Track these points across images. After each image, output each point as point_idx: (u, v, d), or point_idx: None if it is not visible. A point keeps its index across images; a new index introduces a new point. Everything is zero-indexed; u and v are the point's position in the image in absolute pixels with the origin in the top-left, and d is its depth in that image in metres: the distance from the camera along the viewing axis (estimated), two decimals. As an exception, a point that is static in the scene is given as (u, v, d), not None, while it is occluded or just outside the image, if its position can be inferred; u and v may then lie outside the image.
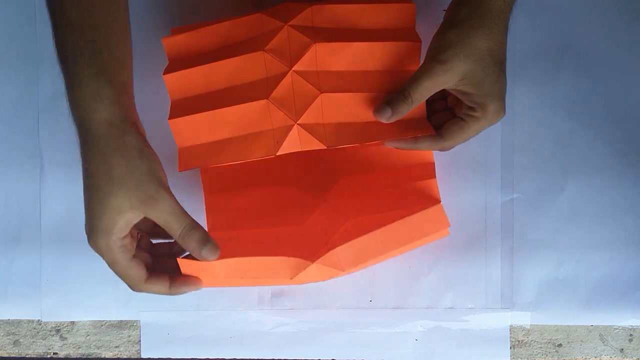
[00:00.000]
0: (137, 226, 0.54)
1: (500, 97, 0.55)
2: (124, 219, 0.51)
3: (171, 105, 0.60)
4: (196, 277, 0.57)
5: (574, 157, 0.68)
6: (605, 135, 0.67)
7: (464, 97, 0.55)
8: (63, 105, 0.69)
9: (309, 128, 0.56)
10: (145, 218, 0.53)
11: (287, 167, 0.63)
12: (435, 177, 0.62)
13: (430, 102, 0.59)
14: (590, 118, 0.67)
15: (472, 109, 0.56)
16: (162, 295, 0.69)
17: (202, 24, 0.61)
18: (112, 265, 0.54)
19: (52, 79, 0.70)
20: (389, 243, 0.60)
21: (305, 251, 0.60)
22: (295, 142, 0.56)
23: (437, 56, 0.53)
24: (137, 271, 0.54)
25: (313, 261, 0.57)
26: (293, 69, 0.56)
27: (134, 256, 0.54)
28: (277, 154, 0.56)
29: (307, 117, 0.56)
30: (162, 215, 0.52)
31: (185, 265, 0.57)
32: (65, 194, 0.70)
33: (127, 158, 0.51)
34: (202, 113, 0.57)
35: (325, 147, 0.56)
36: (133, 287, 0.55)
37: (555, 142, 0.68)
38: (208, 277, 0.58)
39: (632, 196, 0.67)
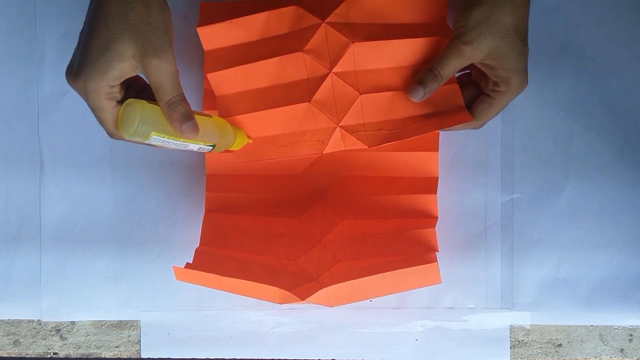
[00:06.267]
0: (125, 83, 0.53)
1: (523, 70, 0.56)
2: (121, 67, 0.50)
3: (218, 101, 0.61)
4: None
5: (574, 157, 0.68)
6: (605, 135, 0.67)
7: (488, 71, 0.57)
8: (63, 105, 0.70)
9: (350, 129, 0.59)
10: (135, 77, 0.51)
11: (291, 160, 0.64)
12: (435, 192, 0.63)
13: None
14: (590, 118, 0.67)
15: (496, 84, 0.57)
16: (162, 295, 0.69)
17: (233, 4, 0.61)
18: (95, 110, 0.52)
19: (52, 79, 0.69)
20: (378, 289, 0.62)
21: (297, 250, 0.62)
22: (339, 142, 0.59)
23: (462, 36, 0.54)
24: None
25: (303, 299, 0.59)
26: (333, 71, 0.58)
27: (118, 102, 0.52)
28: (324, 152, 0.59)
29: (348, 119, 0.59)
30: (158, 76, 0.51)
31: (179, 273, 0.59)
32: (65, 194, 0.70)
33: (148, 7, 0.50)
34: (251, 114, 0.59)
35: (368, 147, 0.58)
36: (113, 134, 0.54)
37: (555, 142, 0.68)
38: (201, 283, 0.61)
39: (632, 196, 0.67)
